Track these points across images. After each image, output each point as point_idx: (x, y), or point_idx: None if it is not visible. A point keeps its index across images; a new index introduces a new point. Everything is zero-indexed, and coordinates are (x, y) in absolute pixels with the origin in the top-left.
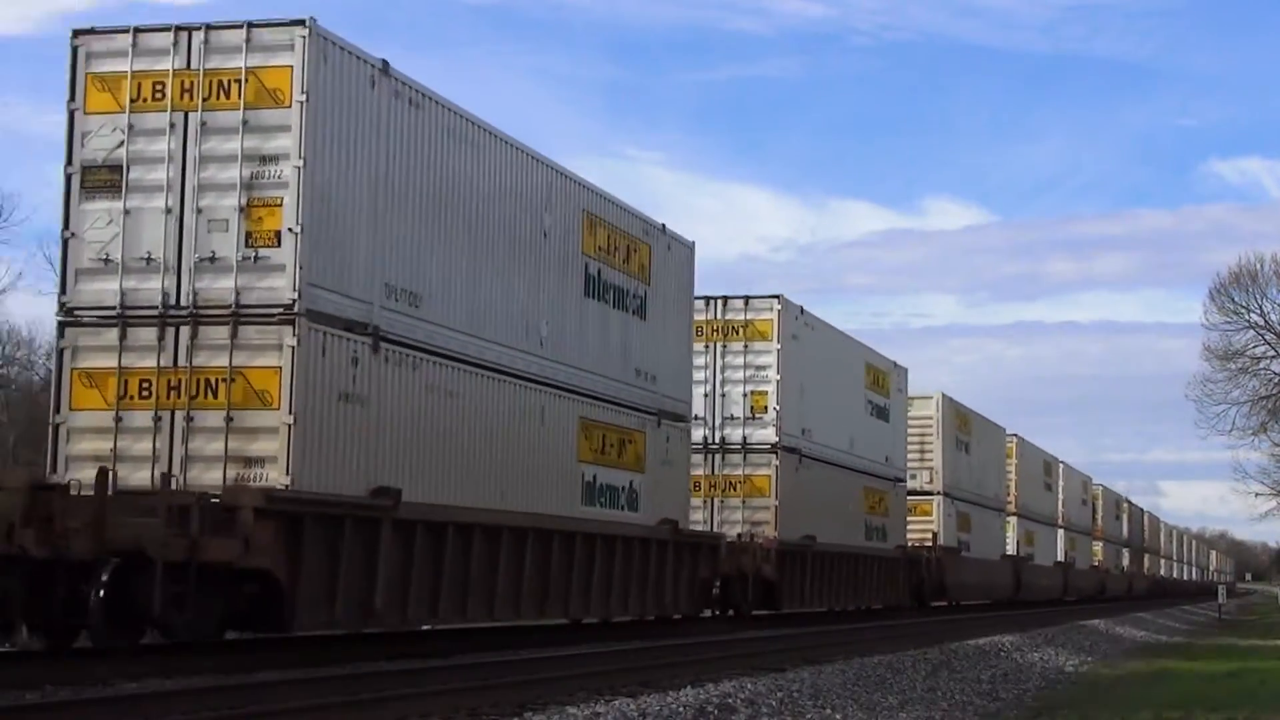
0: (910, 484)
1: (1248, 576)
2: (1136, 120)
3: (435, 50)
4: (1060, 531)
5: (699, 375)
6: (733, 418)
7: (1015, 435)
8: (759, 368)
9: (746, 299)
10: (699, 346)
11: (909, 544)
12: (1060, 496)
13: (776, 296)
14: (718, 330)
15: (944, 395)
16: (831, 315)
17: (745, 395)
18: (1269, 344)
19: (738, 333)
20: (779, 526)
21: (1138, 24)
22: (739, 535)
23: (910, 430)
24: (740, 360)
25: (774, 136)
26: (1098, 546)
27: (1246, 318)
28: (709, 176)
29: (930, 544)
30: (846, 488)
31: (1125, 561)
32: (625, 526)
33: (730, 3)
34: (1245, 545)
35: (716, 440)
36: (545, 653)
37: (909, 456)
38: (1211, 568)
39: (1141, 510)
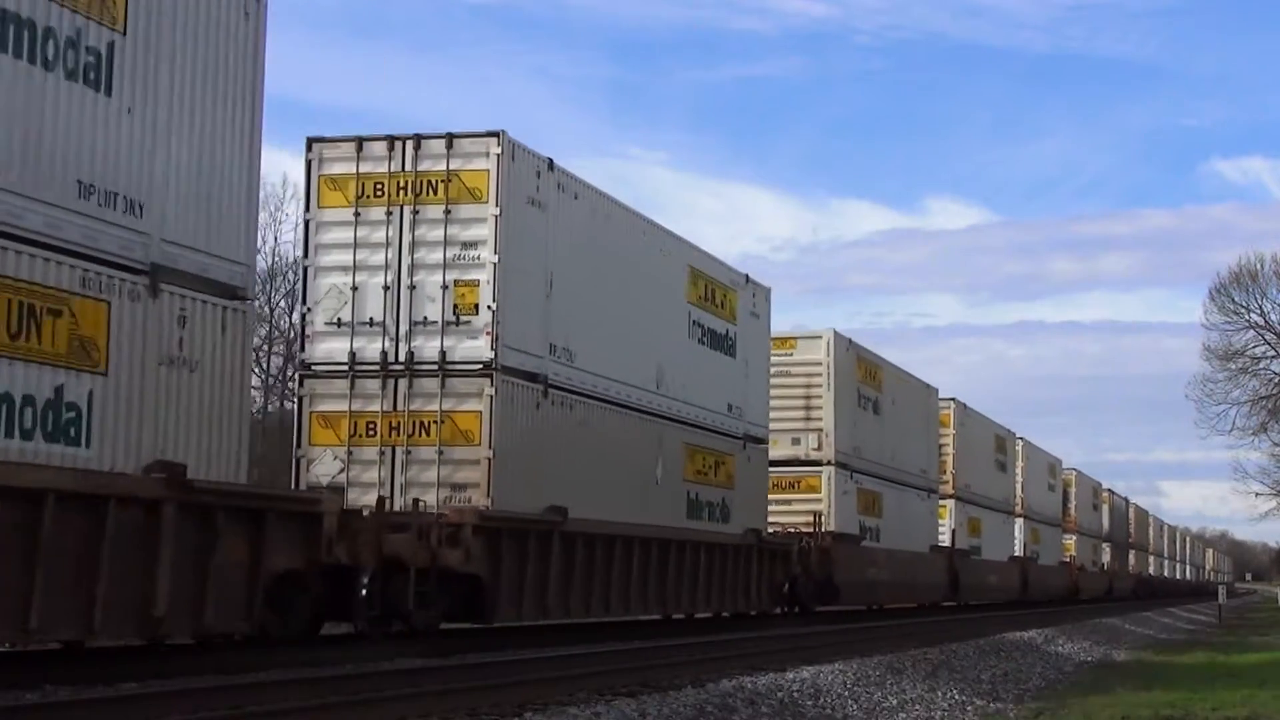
0: (791, 450)
1: (1247, 576)
2: (1139, 120)
3: (437, 50)
4: (1019, 521)
5: (375, 257)
6: (426, 323)
7: (953, 399)
8: (466, 245)
9: (450, 138)
10: (377, 214)
11: (778, 528)
12: (1019, 479)
13: (495, 134)
14: (406, 188)
15: (837, 334)
16: (833, 315)
17: (445, 288)
18: (1269, 344)
19: (435, 190)
20: (495, 491)
21: (1139, 23)
22: (405, 502)
23: (792, 381)
24: (438, 233)
25: (776, 136)
26: (1070, 540)
27: (1246, 318)
28: (711, 176)
29: (811, 529)
30: (647, 443)
31: (1106, 558)
32: (18, 471)
33: (732, 2)
34: (1245, 545)
35: (400, 357)
36: (545, 653)
37: (789, 414)
38: (1208, 567)
39: (1126, 501)
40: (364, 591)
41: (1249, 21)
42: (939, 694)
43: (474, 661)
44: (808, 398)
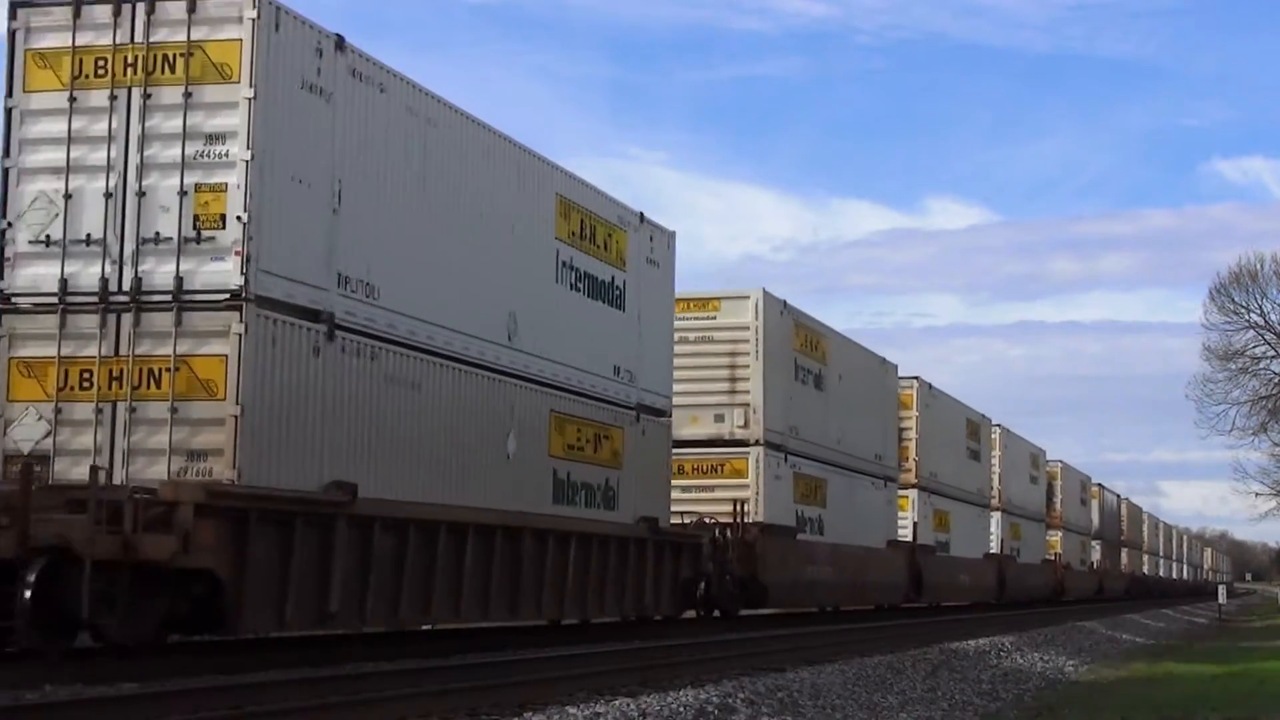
0: (714, 429)
1: (1247, 576)
2: (1139, 120)
3: (437, 50)
4: (996, 515)
5: (95, 155)
6: (158, 240)
7: (916, 378)
8: (211, 138)
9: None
10: (99, 99)
11: (694, 519)
12: (996, 469)
13: None
14: (136, 64)
15: (768, 294)
16: (833, 315)
17: (183, 194)
18: (1269, 344)
19: (172, 68)
20: (243, 460)
21: (1140, 23)
22: (126, 475)
23: (715, 348)
24: (176, 123)
25: (776, 136)
26: (1055, 537)
27: (1246, 318)
28: (711, 176)
29: (732, 520)
30: (494, 408)
31: (1096, 556)
32: None
33: (732, 2)
34: (1245, 545)
35: (125, 285)
36: (545, 653)
37: (711, 386)
38: (1206, 566)
39: (1118, 496)
40: (27, 594)
41: (1249, 21)
42: (939, 694)
43: (474, 661)
44: (733, 367)
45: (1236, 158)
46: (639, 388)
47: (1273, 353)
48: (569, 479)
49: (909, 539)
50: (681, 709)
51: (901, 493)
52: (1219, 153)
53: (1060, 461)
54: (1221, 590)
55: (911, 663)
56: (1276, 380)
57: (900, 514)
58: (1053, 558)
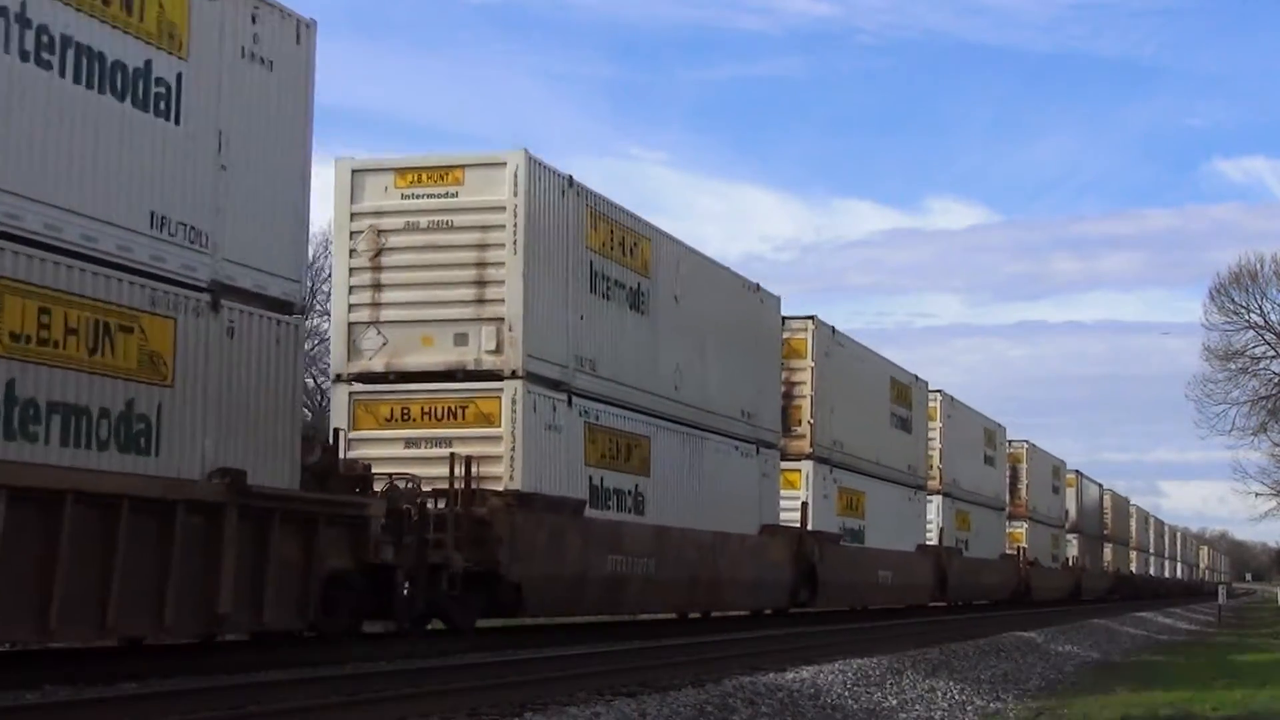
0: (455, 354)
1: (1247, 576)
2: (1140, 119)
3: (439, 50)
4: (936, 500)
5: None
6: None
7: (812, 317)
8: None
9: None
10: None
11: (409, 483)
12: (935, 444)
13: None
14: None
15: (533, 159)
16: (834, 315)
17: None
18: (1269, 344)
19: None
20: None
21: (1141, 23)
22: None
23: (457, 238)
24: None
25: (778, 136)
26: (1019, 528)
27: (1246, 318)
28: (712, 176)
29: (451, 486)
30: None
31: (1073, 552)
32: None
33: (734, 1)
34: (1245, 545)
35: None
36: (545, 653)
37: (451, 293)
38: (1203, 565)
39: (1100, 486)
40: None
41: (1250, 21)
42: (939, 694)
43: (474, 661)
44: (481, 265)
45: (1237, 158)
46: (221, 257)
47: (1273, 353)
48: (13, 394)
49: (798, 524)
50: (681, 709)
51: (790, 465)
52: (1220, 153)
53: (1026, 442)
54: (1221, 590)
55: (911, 663)
56: (1276, 380)
57: (787, 492)
58: (1015, 552)
